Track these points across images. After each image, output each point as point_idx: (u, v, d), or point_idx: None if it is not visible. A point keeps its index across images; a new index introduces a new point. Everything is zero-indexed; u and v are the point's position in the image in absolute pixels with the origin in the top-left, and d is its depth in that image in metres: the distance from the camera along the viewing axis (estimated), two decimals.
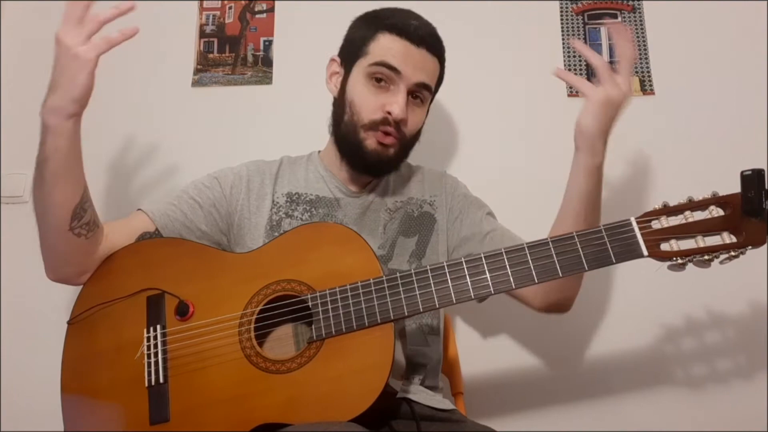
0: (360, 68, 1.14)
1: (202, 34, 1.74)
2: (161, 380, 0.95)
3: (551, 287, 1.10)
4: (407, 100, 1.11)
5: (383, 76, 1.11)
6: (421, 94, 1.15)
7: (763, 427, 1.37)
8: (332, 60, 1.22)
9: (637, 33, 1.65)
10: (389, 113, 1.10)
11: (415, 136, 1.18)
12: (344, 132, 1.15)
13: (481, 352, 1.49)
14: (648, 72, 1.62)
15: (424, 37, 1.13)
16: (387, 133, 1.11)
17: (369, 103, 1.11)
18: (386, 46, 1.12)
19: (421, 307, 0.92)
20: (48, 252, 1.04)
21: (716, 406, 1.41)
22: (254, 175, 1.21)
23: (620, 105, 1.03)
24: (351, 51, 1.17)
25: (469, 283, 0.91)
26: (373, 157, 1.12)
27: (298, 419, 0.87)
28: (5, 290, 1.60)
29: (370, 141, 1.12)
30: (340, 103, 1.17)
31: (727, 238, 0.86)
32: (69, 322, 1.02)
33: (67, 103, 0.97)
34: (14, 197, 1.66)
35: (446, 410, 1.05)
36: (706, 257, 0.87)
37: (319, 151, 1.28)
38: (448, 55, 1.63)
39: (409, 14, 1.17)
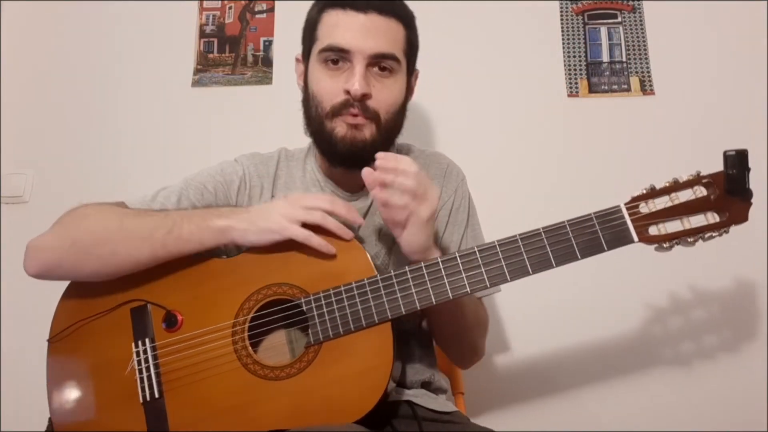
0: (314, 56, 1.05)
1: (202, 34, 1.74)
2: (156, 395, 0.92)
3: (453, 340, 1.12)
4: (371, 74, 1.01)
5: (335, 57, 1.01)
6: (386, 64, 1.02)
7: (763, 427, 1.37)
8: (296, 60, 1.14)
9: (637, 33, 1.65)
10: (348, 92, 1.00)
11: (396, 116, 1.06)
12: (314, 129, 1.06)
13: None
14: (648, 72, 1.62)
15: (369, 1, 1.01)
16: (354, 115, 1.01)
17: (328, 88, 1.02)
18: (331, 25, 1.02)
19: (418, 304, 0.90)
20: (66, 272, 0.97)
21: (716, 407, 1.41)
22: (255, 180, 1.13)
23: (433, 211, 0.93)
24: (305, 41, 1.09)
25: (464, 278, 0.90)
26: (345, 143, 1.02)
27: (302, 425, 0.86)
28: (5, 290, 1.60)
29: (340, 128, 1.02)
30: (305, 99, 1.08)
31: (711, 217, 0.88)
32: (49, 340, 0.98)
33: (234, 233, 0.94)
34: (14, 197, 1.66)
35: (448, 412, 1.04)
36: (691, 239, 0.89)
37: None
38: (448, 55, 1.64)
39: None
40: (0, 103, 1.72)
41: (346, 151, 1.02)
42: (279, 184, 1.14)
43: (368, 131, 1.02)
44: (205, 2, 1.76)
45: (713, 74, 1.60)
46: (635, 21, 1.66)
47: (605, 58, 1.64)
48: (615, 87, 1.62)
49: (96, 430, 0.93)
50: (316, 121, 1.04)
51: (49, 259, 0.96)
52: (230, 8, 1.75)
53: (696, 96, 1.59)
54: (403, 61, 1.05)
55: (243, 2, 1.75)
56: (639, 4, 1.67)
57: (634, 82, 1.62)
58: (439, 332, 1.12)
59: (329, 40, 1.01)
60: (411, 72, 1.11)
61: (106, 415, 0.94)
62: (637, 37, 1.65)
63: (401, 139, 1.14)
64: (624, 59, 1.64)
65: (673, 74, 1.62)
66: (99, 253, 0.94)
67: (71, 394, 0.95)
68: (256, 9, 1.75)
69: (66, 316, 0.98)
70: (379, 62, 1.02)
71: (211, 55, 1.72)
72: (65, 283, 1.03)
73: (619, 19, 1.67)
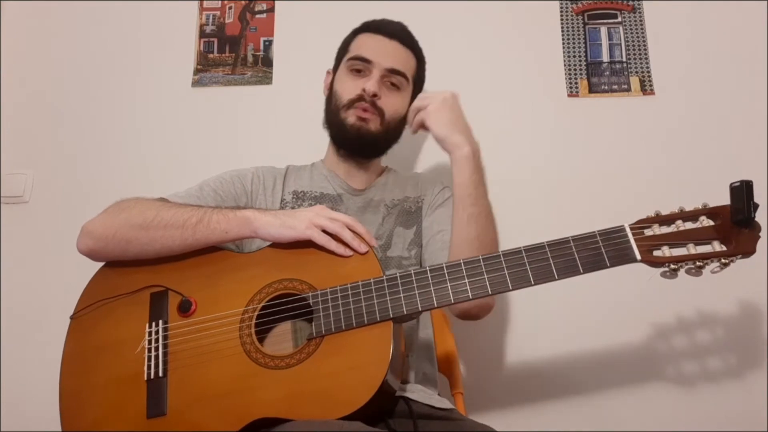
0: (342, 64, 1.30)
1: (202, 34, 1.74)
2: (160, 374, 0.96)
3: None
4: (383, 84, 1.25)
5: (360, 67, 1.26)
6: (396, 80, 1.27)
7: (763, 427, 1.37)
8: (327, 72, 1.37)
9: (637, 33, 1.65)
10: (363, 90, 1.23)
11: (399, 123, 1.29)
12: (330, 119, 1.29)
13: (481, 352, 1.49)
14: (648, 72, 1.62)
15: (397, 32, 1.30)
16: (364, 110, 1.23)
17: (348, 87, 1.26)
18: (362, 42, 1.30)
19: (420, 306, 0.92)
20: (114, 251, 1.06)
21: (716, 407, 1.41)
22: (267, 176, 1.28)
23: (444, 101, 1.17)
24: (338, 55, 1.35)
25: (467, 283, 0.92)
26: (353, 131, 1.24)
27: (296, 414, 0.87)
28: (5, 290, 1.60)
29: (351, 118, 1.24)
30: (328, 98, 1.32)
31: (718, 246, 0.88)
32: (71, 317, 1.04)
33: (262, 226, 1.01)
34: (14, 197, 1.66)
35: (445, 409, 1.05)
36: (698, 263, 0.88)
37: (323, 159, 1.36)
38: (448, 55, 1.64)
39: (386, 19, 1.33)
40: (0, 103, 1.72)
41: (353, 137, 1.25)
42: (289, 181, 1.30)
43: (374, 125, 1.25)
44: (205, 2, 1.76)
45: (713, 74, 1.60)
46: (635, 21, 1.66)
47: (605, 58, 1.65)
48: (615, 87, 1.62)
49: (100, 403, 0.97)
50: (333, 112, 1.27)
51: (96, 245, 1.07)
52: (230, 8, 1.75)
53: (696, 96, 1.59)
54: (410, 83, 1.30)
55: (243, 2, 1.75)
56: (639, 4, 1.67)
57: (634, 82, 1.62)
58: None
59: (357, 52, 1.28)
60: (414, 98, 1.31)
61: (110, 388, 0.98)
62: (637, 37, 1.65)
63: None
64: (624, 59, 1.64)
65: (673, 74, 1.62)
66: (139, 242, 1.04)
67: (82, 367, 1.00)
68: (256, 9, 1.75)
69: (91, 295, 1.05)
70: (391, 77, 1.26)
71: (211, 55, 1.72)
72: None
73: (619, 19, 1.67)
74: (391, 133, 1.29)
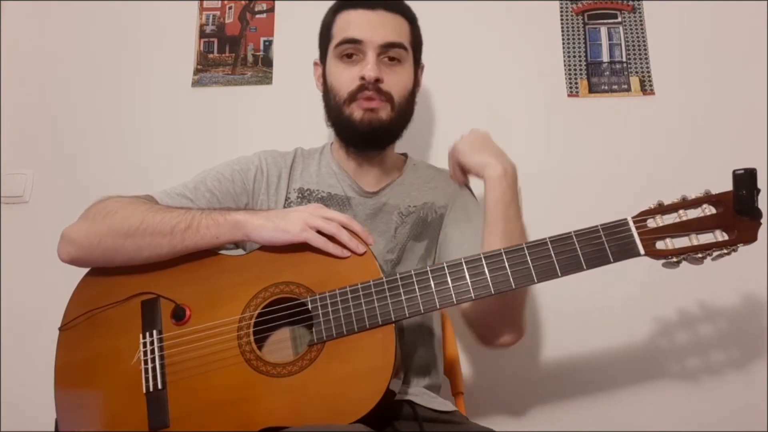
0: (330, 54, 1.18)
1: (202, 34, 1.74)
2: (159, 386, 0.94)
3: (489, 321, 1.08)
4: (382, 62, 1.13)
5: (350, 51, 1.14)
6: (394, 53, 1.15)
7: (763, 426, 1.37)
8: (315, 64, 1.26)
9: (637, 33, 1.65)
10: (363, 78, 1.11)
11: (407, 101, 1.18)
12: (334, 117, 1.17)
13: (481, 352, 1.48)
14: (648, 72, 1.62)
15: (378, 0, 1.16)
16: (369, 99, 1.12)
17: (344, 78, 1.14)
18: (344, 22, 1.16)
19: (422, 308, 0.91)
20: (99, 260, 1.02)
21: (716, 406, 1.41)
22: (272, 169, 1.20)
23: (470, 133, 1.09)
24: (322, 44, 1.22)
25: (469, 283, 0.90)
26: (364, 126, 1.13)
27: (301, 423, 0.86)
28: (5, 290, 1.60)
29: (357, 112, 1.13)
30: (325, 95, 1.21)
31: (720, 235, 0.88)
32: (60, 329, 1.01)
33: (254, 230, 0.97)
34: (14, 197, 1.66)
35: (448, 412, 1.05)
36: (700, 255, 0.88)
37: (332, 144, 1.27)
38: (448, 55, 1.64)
39: None
40: (0, 103, 1.72)
41: (365, 131, 1.13)
42: (295, 175, 1.21)
43: (384, 113, 1.13)
44: (205, 2, 1.76)
45: (713, 74, 1.60)
46: (635, 21, 1.66)
47: (605, 58, 1.65)
48: (615, 87, 1.62)
49: (98, 417, 0.95)
50: (335, 110, 1.16)
51: (78, 254, 1.02)
52: (230, 8, 1.75)
53: (696, 96, 1.59)
54: (409, 51, 1.18)
55: (243, 2, 1.75)
56: (639, 4, 1.67)
57: (634, 82, 1.62)
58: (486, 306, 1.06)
59: (343, 35, 1.14)
60: (417, 64, 1.23)
61: (109, 402, 0.95)
62: (637, 37, 1.65)
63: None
64: (624, 59, 1.64)
65: (673, 74, 1.62)
66: (125, 251, 0.99)
67: (76, 380, 0.97)
68: (256, 9, 1.75)
69: (79, 304, 1.01)
70: (388, 51, 1.14)
71: (211, 55, 1.72)
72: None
73: (619, 19, 1.67)
74: (404, 114, 1.17)
